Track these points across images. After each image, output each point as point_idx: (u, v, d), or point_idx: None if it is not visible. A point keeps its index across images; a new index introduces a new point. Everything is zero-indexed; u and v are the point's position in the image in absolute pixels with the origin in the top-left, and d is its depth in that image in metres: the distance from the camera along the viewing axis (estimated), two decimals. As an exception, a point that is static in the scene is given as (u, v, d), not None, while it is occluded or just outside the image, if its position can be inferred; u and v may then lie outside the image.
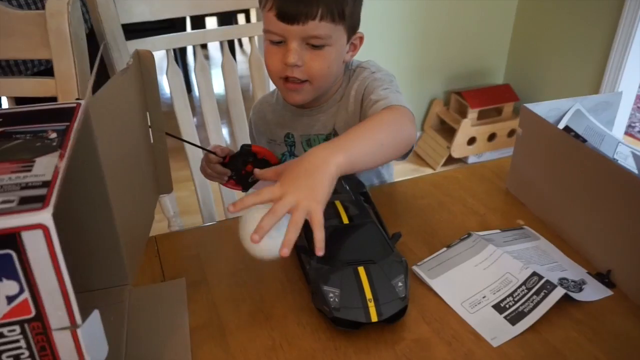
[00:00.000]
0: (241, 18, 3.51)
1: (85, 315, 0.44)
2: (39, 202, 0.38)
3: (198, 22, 3.07)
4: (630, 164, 0.76)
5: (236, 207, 0.60)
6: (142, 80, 0.78)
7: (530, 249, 0.74)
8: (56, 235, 0.38)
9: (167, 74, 1.17)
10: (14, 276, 0.38)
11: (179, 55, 3.00)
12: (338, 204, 0.71)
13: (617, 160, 0.79)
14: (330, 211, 0.69)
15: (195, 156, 1.19)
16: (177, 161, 1.37)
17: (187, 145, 1.20)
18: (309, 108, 0.92)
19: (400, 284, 0.62)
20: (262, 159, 0.92)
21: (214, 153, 0.91)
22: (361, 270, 0.63)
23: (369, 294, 0.61)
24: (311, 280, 0.64)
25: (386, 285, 0.62)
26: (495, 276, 0.68)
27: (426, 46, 2.45)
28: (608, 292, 0.67)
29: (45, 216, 0.37)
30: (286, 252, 0.57)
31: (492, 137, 2.46)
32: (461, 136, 2.39)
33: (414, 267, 0.71)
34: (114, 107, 0.66)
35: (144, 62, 0.77)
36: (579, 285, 0.68)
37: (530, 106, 0.81)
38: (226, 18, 2.96)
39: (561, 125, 0.81)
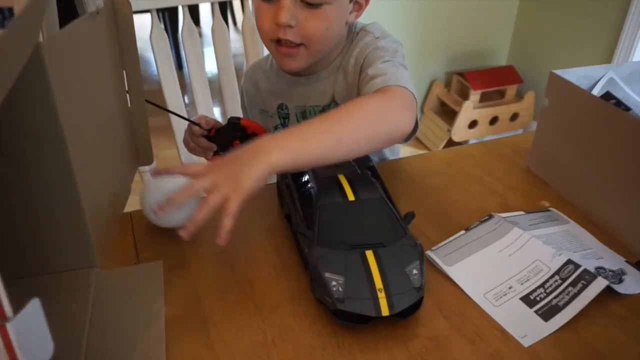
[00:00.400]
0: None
1: (45, 303, 0.35)
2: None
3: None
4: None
5: (158, 172, 0.60)
6: (118, 32, 0.67)
7: (559, 233, 0.64)
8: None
9: (151, 38, 1.06)
10: None
11: (170, 30, 2.86)
12: (342, 178, 0.61)
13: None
14: (333, 186, 0.60)
15: (183, 134, 1.09)
16: (163, 140, 1.26)
17: (174, 121, 1.09)
18: (305, 76, 0.81)
19: (415, 271, 0.53)
20: (252, 134, 0.82)
21: (199, 125, 0.81)
22: (369, 254, 0.53)
23: (378, 283, 0.51)
24: (310, 265, 0.54)
25: (399, 273, 0.52)
26: (523, 264, 0.59)
27: (427, 25, 2.34)
28: (652, 285, 0.58)
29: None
30: (185, 235, 0.52)
31: (494, 120, 2.37)
32: (462, 119, 2.29)
33: (428, 252, 0.61)
34: (77, 58, 0.55)
35: (120, 10, 0.66)
36: (619, 276, 0.59)
37: (560, 72, 0.72)
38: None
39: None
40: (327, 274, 0.52)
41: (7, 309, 0.32)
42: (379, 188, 0.61)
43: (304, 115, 0.84)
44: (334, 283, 0.51)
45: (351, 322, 0.51)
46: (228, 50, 1.13)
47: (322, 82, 0.81)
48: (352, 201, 0.58)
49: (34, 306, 0.34)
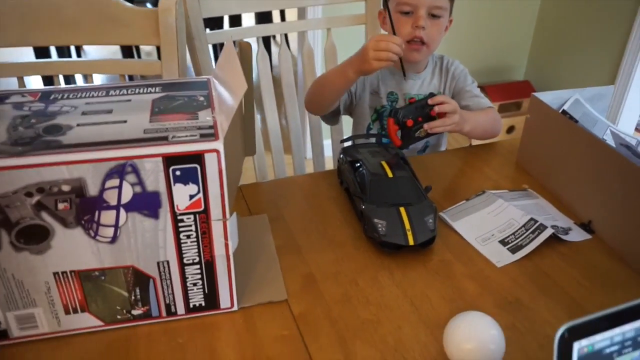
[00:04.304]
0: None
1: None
2: (212, 137, 0.61)
3: (235, 19, 3.23)
4: (610, 141, 0.97)
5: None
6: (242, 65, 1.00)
7: (530, 204, 0.95)
8: (224, 158, 0.61)
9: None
10: (196, 182, 0.61)
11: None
12: (384, 163, 0.93)
13: (605, 139, 1.00)
14: (378, 168, 0.92)
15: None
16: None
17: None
18: (413, 73, 1.21)
19: (430, 220, 0.85)
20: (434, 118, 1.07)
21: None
22: (402, 209, 0.85)
23: (407, 225, 0.83)
24: (365, 215, 0.86)
25: (420, 221, 0.84)
26: (502, 221, 0.90)
27: (448, 40, 2.64)
28: (588, 236, 0.89)
29: (219, 145, 0.60)
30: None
31: (510, 129, 2.65)
32: (482, 127, 2.58)
33: (441, 214, 0.93)
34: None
35: (243, 51, 0.99)
36: (566, 231, 0.89)
37: (538, 95, 1.02)
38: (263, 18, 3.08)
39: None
40: (375, 220, 0.84)
41: (228, 214, 0.65)
42: (409, 170, 0.93)
43: (405, 99, 1.21)
44: (379, 225, 0.83)
45: (390, 249, 0.83)
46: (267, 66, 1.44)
47: (421, 80, 1.21)
48: (391, 177, 0.90)
49: (235, 215, 0.67)
